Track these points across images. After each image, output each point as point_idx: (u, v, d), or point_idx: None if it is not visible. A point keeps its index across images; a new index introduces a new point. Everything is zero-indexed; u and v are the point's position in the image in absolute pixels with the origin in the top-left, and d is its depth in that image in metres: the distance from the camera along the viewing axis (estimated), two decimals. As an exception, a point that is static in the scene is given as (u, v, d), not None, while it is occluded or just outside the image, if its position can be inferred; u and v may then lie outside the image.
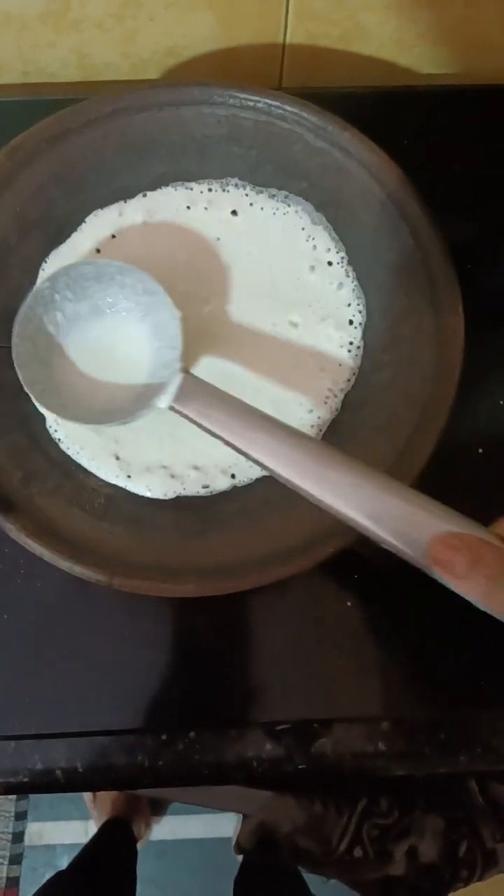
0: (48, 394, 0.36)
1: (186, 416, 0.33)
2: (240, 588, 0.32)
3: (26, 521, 0.33)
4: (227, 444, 0.31)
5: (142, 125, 0.40)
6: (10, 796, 1.18)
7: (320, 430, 0.38)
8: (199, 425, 0.32)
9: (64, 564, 0.32)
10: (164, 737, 0.37)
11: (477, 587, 0.24)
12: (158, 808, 1.15)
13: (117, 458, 0.37)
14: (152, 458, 0.37)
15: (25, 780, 0.37)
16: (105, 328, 0.38)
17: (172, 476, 0.37)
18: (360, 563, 0.39)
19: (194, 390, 0.33)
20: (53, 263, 0.40)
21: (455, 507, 0.39)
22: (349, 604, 0.38)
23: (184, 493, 0.37)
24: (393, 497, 0.27)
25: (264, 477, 0.37)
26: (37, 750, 0.37)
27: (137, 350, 0.37)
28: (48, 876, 0.82)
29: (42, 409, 0.37)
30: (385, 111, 0.47)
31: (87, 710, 0.37)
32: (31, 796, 1.19)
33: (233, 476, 0.37)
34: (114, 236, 0.41)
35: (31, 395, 0.35)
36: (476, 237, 0.46)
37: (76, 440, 0.38)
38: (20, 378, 0.35)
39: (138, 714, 0.37)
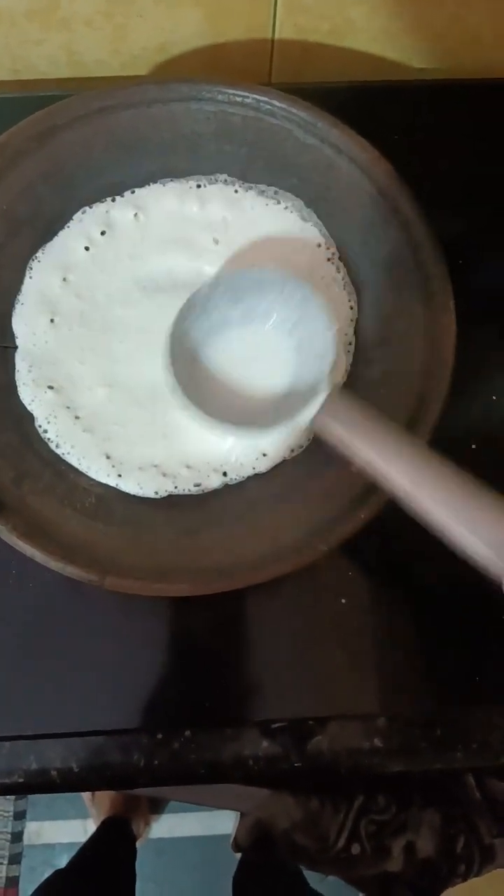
0: (192, 392, 0.35)
1: (332, 434, 0.32)
2: (233, 587, 0.32)
3: (18, 522, 0.33)
4: (367, 469, 0.31)
5: (130, 122, 0.40)
6: (8, 796, 1.18)
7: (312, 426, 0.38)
8: (344, 445, 0.32)
9: (56, 565, 0.32)
10: (159, 736, 0.37)
11: None
12: (157, 807, 1.15)
13: (108, 457, 0.37)
14: (144, 456, 0.37)
15: (21, 780, 0.37)
16: (255, 335, 0.38)
17: (164, 474, 0.37)
18: (354, 561, 0.39)
19: (342, 405, 0.33)
20: (46, 261, 0.40)
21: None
22: (344, 601, 0.38)
23: (175, 491, 0.37)
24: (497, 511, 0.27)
25: (257, 475, 0.37)
26: (32, 750, 0.37)
27: (283, 360, 0.37)
28: (47, 875, 0.82)
29: (186, 404, 0.35)
30: (375, 106, 0.47)
31: (82, 709, 0.37)
32: (29, 796, 1.19)
33: (224, 474, 0.37)
34: (103, 233, 0.41)
35: (178, 392, 0.35)
36: (467, 232, 0.45)
37: (67, 439, 0.37)
38: (170, 375, 0.35)
39: (134, 713, 0.37)
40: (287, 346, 0.37)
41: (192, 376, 0.36)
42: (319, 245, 0.41)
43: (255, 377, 0.37)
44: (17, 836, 1.14)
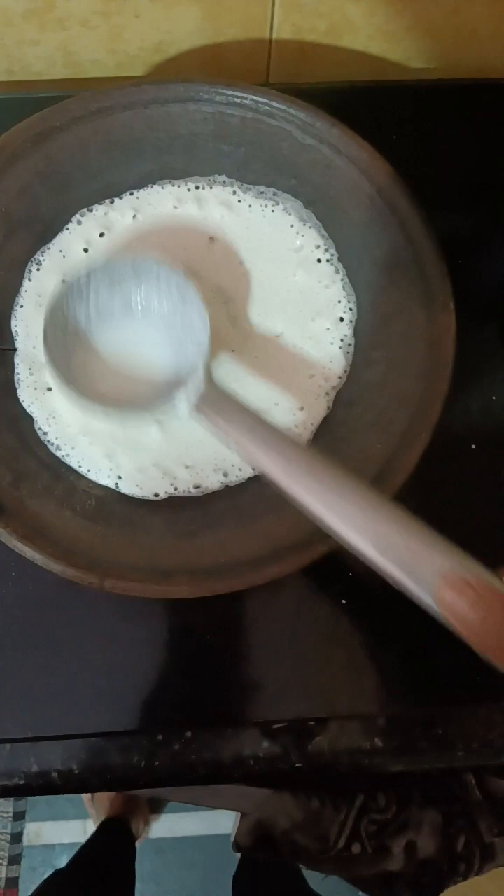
0: (71, 378, 0.35)
1: (204, 421, 0.33)
2: (233, 589, 0.32)
3: (17, 525, 0.33)
4: (240, 454, 0.32)
5: (128, 123, 0.40)
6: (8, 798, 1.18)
7: (312, 427, 0.38)
8: (216, 432, 0.33)
9: (56, 567, 0.32)
10: (159, 737, 0.37)
11: (484, 638, 0.23)
12: (157, 806, 1.15)
13: (108, 459, 0.37)
14: (143, 458, 0.37)
15: (21, 782, 0.37)
16: (134, 324, 0.38)
17: (164, 476, 0.37)
18: (354, 561, 0.39)
19: (214, 395, 0.33)
20: (44, 263, 0.40)
21: (447, 502, 0.39)
22: (344, 601, 0.38)
23: (175, 493, 0.37)
24: (401, 529, 0.26)
25: (256, 476, 0.37)
26: (32, 752, 0.37)
27: (163, 348, 0.37)
28: (47, 875, 0.82)
29: (64, 389, 0.36)
30: (373, 106, 0.47)
31: (83, 711, 0.37)
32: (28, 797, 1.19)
33: (224, 475, 0.37)
34: (102, 234, 0.41)
35: (57, 380, 0.35)
36: (466, 232, 0.45)
37: (66, 441, 0.37)
38: (48, 362, 0.35)
39: (134, 714, 0.37)
40: (168, 335, 0.37)
41: (71, 361, 0.36)
42: (318, 246, 0.40)
43: (139, 363, 0.37)
44: (16, 837, 1.14)
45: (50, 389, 0.38)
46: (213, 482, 0.37)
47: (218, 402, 0.33)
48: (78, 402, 0.35)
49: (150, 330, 0.38)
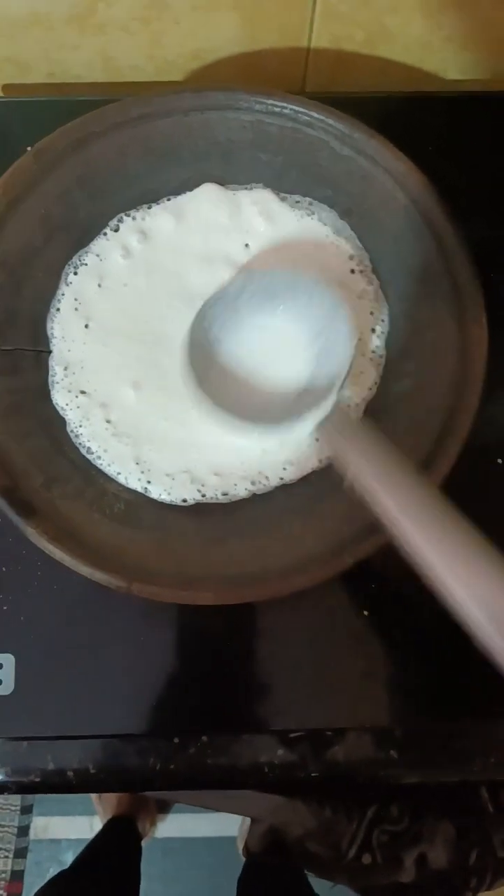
0: (204, 382, 0.36)
1: (326, 444, 0.33)
2: (258, 598, 0.32)
3: (48, 526, 0.33)
4: (357, 484, 0.29)
5: (167, 130, 0.40)
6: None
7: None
8: (335, 457, 0.32)
9: (85, 570, 0.32)
10: (176, 740, 0.37)
11: None
12: (164, 806, 1.15)
13: (138, 463, 0.37)
14: (173, 463, 0.37)
15: (37, 780, 0.37)
16: (278, 338, 0.38)
17: (192, 482, 0.37)
18: (376, 574, 0.39)
19: (344, 424, 0.33)
20: (81, 267, 0.40)
21: (473, 518, 0.39)
22: (365, 613, 0.38)
23: (203, 499, 0.37)
24: None
25: (284, 485, 0.37)
26: (50, 750, 0.37)
27: (301, 366, 0.37)
28: (52, 870, 0.83)
29: (197, 396, 0.36)
30: (409, 116, 0.47)
31: (101, 712, 0.37)
32: (37, 791, 1.19)
33: (252, 483, 0.37)
34: (140, 240, 0.41)
35: (190, 379, 0.35)
36: (500, 245, 0.45)
37: (99, 444, 0.38)
38: (185, 362, 0.36)
39: (151, 717, 0.37)
40: (307, 353, 0.37)
41: (209, 371, 0.36)
42: (352, 257, 0.41)
43: (272, 379, 0.37)
44: (23, 831, 1.15)
45: (84, 392, 0.38)
46: (240, 490, 0.37)
47: (343, 427, 0.33)
48: (210, 412, 0.35)
49: (292, 347, 0.38)
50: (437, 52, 0.50)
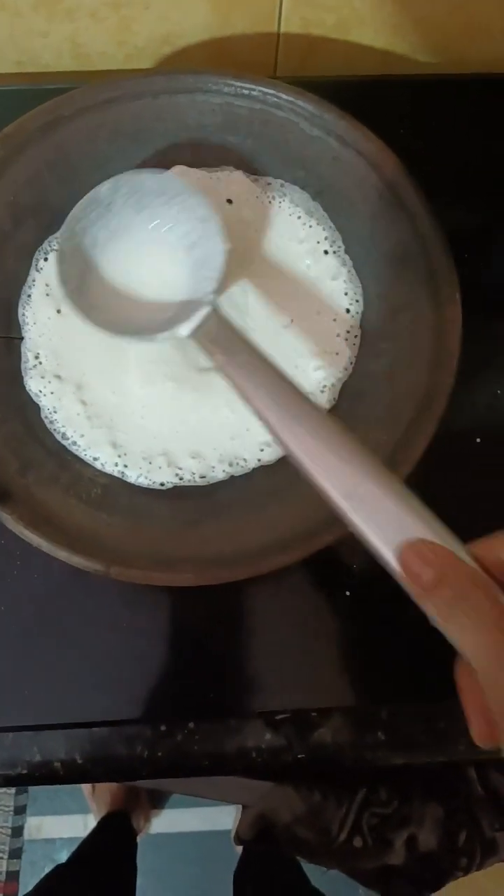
0: (79, 294, 0.35)
1: (204, 350, 0.32)
2: (238, 577, 0.32)
3: (24, 511, 0.33)
4: (236, 390, 0.31)
5: (136, 113, 0.40)
6: (9, 791, 1.18)
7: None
8: (217, 366, 0.32)
9: (61, 554, 0.32)
10: (163, 728, 0.37)
11: (435, 607, 0.23)
12: (158, 801, 1.15)
13: (114, 447, 0.37)
14: (150, 446, 0.37)
15: (24, 772, 0.37)
16: (152, 245, 0.37)
17: (169, 465, 0.37)
18: (358, 553, 0.39)
19: (219, 328, 0.32)
20: (52, 252, 0.40)
21: (452, 495, 0.39)
22: (347, 593, 0.38)
23: (181, 482, 0.37)
24: (377, 485, 0.25)
25: (263, 467, 0.37)
26: (35, 741, 0.37)
27: (177, 274, 0.36)
28: (48, 869, 0.82)
29: (72, 309, 0.35)
30: (380, 100, 0.47)
31: (86, 700, 0.37)
32: (30, 790, 1.19)
33: (230, 465, 0.37)
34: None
35: (63, 291, 0.35)
36: (472, 226, 0.45)
37: (74, 429, 0.37)
38: (57, 273, 0.35)
39: (137, 705, 0.37)
40: (184, 263, 0.37)
41: (86, 282, 0.36)
42: (325, 238, 0.40)
43: (150, 289, 0.37)
44: (17, 831, 1.15)
45: (58, 377, 0.38)
46: (218, 472, 0.37)
47: (221, 338, 0.32)
48: (85, 324, 0.34)
49: (167, 254, 0.37)
50: (407, 36, 0.50)
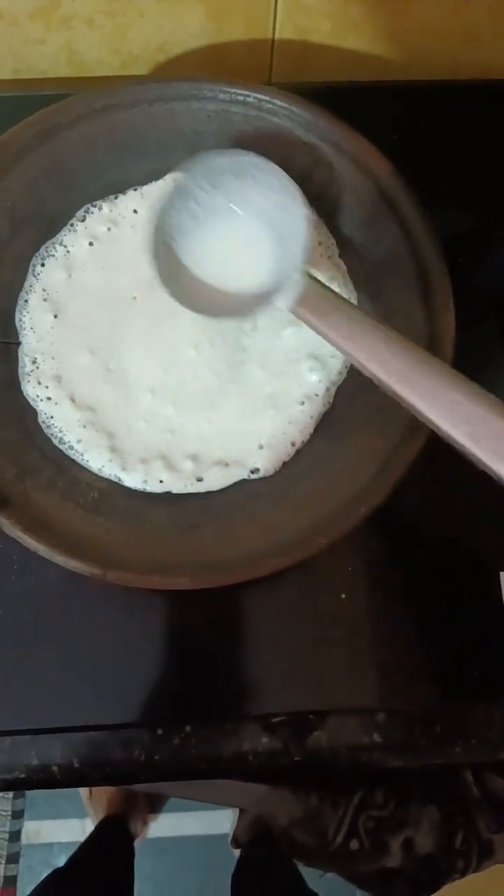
0: (173, 282, 0.36)
1: (305, 319, 0.33)
2: (234, 581, 0.32)
3: (21, 516, 0.33)
4: (342, 350, 0.32)
5: (132, 121, 0.40)
6: (6, 795, 1.17)
7: (313, 422, 0.38)
8: (316, 329, 0.33)
9: (59, 559, 0.32)
10: (159, 731, 0.37)
11: None
12: (156, 806, 1.15)
13: (111, 451, 0.37)
14: (147, 451, 0.37)
15: (21, 776, 0.37)
16: (235, 223, 0.38)
17: (167, 469, 0.37)
18: (354, 556, 0.39)
19: (314, 293, 0.33)
20: (49, 258, 0.40)
21: (447, 497, 0.40)
22: (343, 596, 0.39)
23: (178, 486, 0.37)
24: (495, 416, 0.27)
25: (258, 470, 0.37)
26: (32, 746, 0.37)
27: (263, 248, 0.37)
28: (45, 874, 0.82)
29: (169, 295, 0.36)
30: (375, 106, 0.48)
31: (83, 705, 0.37)
32: (27, 795, 1.19)
33: (226, 466, 0.37)
34: (108, 230, 0.41)
35: (161, 282, 0.35)
36: (466, 231, 0.46)
37: (71, 435, 0.38)
38: (154, 266, 0.36)
39: (134, 709, 0.37)
40: (265, 235, 0.37)
41: (172, 268, 0.36)
42: (320, 243, 0.41)
43: (236, 268, 0.37)
44: (14, 836, 1.14)
45: (56, 383, 0.38)
46: (215, 476, 0.37)
47: (318, 302, 0.33)
48: (184, 307, 0.35)
49: (251, 229, 0.37)
50: (402, 42, 0.51)
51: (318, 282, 0.33)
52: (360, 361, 0.31)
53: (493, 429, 0.27)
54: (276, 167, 0.36)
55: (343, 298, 0.33)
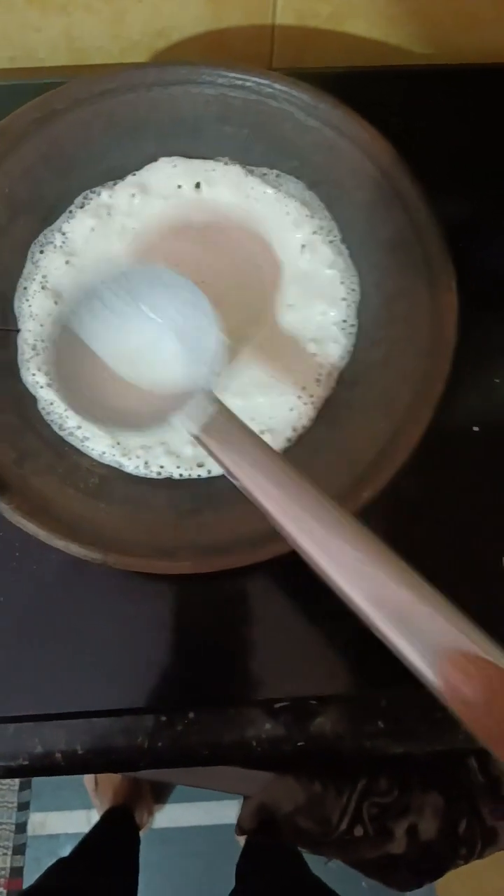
0: (74, 394, 0.34)
1: (205, 447, 0.30)
2: (236, 564, 0.32)
3: (21, 501, 0.33)
4: (239, 487, 0.29)
5: (130, 105, 0.40)
6: (12, 787, 1.18)
7: (315, 407, 0.38)
8: (217, 460, 0.30)
9: (59, 543, 0.32)
10: (163, 718, 0.37)
11: (487, 728, 0.21)
12: (161, 796, 1.15)
13: (111, 437, 0.37)
14: (147, 436, 0.37)
15: (25, 763, 0.37)
16: (147, 335, 0.35)
17: (167, 454, 0.37)
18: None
19: (219, 420, 0.30)
20: (48, 244, 0.40)
21: (450, 485, 0.39)
22: (346, 581, 0.38)
23: (178, 471, 0.37)
24: (403, 586, 0.24)
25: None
26: (36, 733, 0.37)
27: (173, 364, 0.35)
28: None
29: (66, 408, 0.35)
30: (375, 90, 0.47)
31: (86, 691, 0.37)
32: (33, 786, 1.19)
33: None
34: (107, 215, 0.41)
35: (59, 394, 0.34)
36: (468, 215, 0.45)
37: (71, 421, 0.37)
38: (54, 373, 0.34)
39: (137, 695, 0.37)
40: (181, 349, 0.35)
41: (83, 373, 0.34)
42: (321, 227, 0.41)
43: (150, 376, 0.35)
44: (21, 827, 1.15)
45: (56, 369, 0.38)
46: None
47: (220, 432, 0.30)
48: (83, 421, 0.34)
49: (164, 342, 0.35)
50: (402, 27, 0.50)
51: (226, 409, 0.31)
52: (259, 504, 0.28)
53: (398, 596, 0.24)
54: (195, 287, 0.34)
55: (249, 434, 0.30)
